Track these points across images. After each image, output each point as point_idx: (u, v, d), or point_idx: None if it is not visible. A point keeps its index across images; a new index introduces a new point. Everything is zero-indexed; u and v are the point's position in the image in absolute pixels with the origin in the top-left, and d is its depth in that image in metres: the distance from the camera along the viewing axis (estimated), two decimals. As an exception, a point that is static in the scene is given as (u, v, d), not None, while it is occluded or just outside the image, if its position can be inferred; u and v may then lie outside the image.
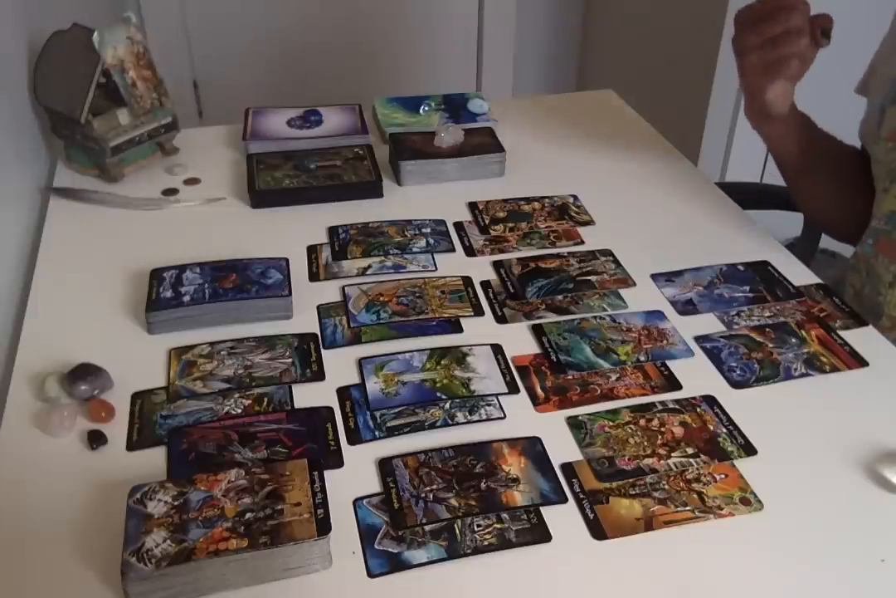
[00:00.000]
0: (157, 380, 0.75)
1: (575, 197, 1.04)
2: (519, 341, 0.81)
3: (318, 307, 0.85)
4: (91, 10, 1.55)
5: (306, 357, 0.78)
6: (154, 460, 0.67)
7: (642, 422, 0.71)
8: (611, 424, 0.71)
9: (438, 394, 0.74)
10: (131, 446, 0.69)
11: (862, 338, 0.82)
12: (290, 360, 0.77)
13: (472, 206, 1.02)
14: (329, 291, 0.87)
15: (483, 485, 0.65)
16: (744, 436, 0.70)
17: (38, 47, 1.03)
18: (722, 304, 0.86)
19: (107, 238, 0.96)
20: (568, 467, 0.67)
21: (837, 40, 0.84)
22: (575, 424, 0.71)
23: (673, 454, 0.68)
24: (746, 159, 1.95)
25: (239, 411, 0.72)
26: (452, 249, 0.95)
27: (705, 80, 1.91)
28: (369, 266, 0.91)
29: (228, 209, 1.02)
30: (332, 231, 0.97)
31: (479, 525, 0.62)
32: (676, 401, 0.74)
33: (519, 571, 0.60)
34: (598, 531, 0.62)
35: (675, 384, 0.76)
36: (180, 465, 0.66)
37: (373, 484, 0.65)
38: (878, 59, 0.98)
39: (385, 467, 0.67)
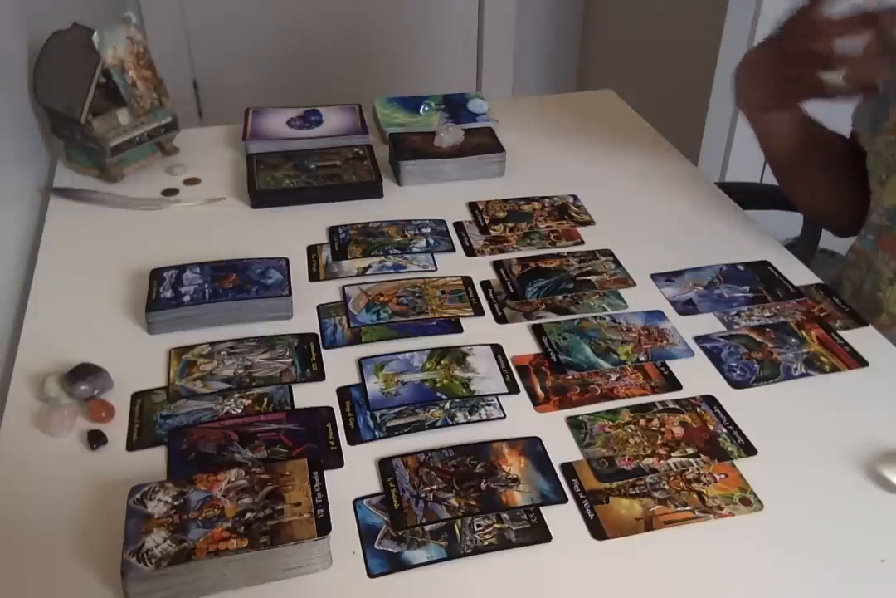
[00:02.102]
0: (157, 380, 0.75)
1: (575, 197, 1.04)
2: (519, 341, 0.81)
3: (318, 307, 0.85)
4: (91, 10, 1.55)
5: (306, 357, 0.78)
6: (154, 460, 0.67)
7: (642, 422, 0.71)
8: (611, 424, 0.71)
9: (438, 394, 0.74)
10: (131, 446, 0.69)
11: (862, 338, 0.82)
12: (290, 360, 0.77)
13: (472, 206, 1.02)
14: (329, 291, 0.87)
15: (483, 485, 0.65)
16: (744, 436, 0.70)
17: (38, 47, 1.03)
18: (722, 304, 0.86)
19: (107, 238, 0.96)
20: (568, 467, 0.67)
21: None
22: (575, 424, 0.71)
23: (673, 454, 0.68)
24: (746, 159, 1.95)
25: (239, 411, 0.72)
26: (452, 249, 0.95)
27: (705, 80, 1.91)
28: (369, 266, 0.91)
29: (228, 209, 1.02)
30: (332, 231, 0.97)
31: (479, 525, 0.62)
32: (676, 401, 0.74)
33: (519, 571, 0.60)
34: (598, 531, 0.62)
35: (675, 384, 0.76)
36: (180, 465, 0.66)
37: (373, 484, 0.65)
38: None
39: (385, 467, 0.67)
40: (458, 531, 0.62)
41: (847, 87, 0.78)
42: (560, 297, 0.87)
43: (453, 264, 0.92)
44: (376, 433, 0.70)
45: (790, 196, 1.08)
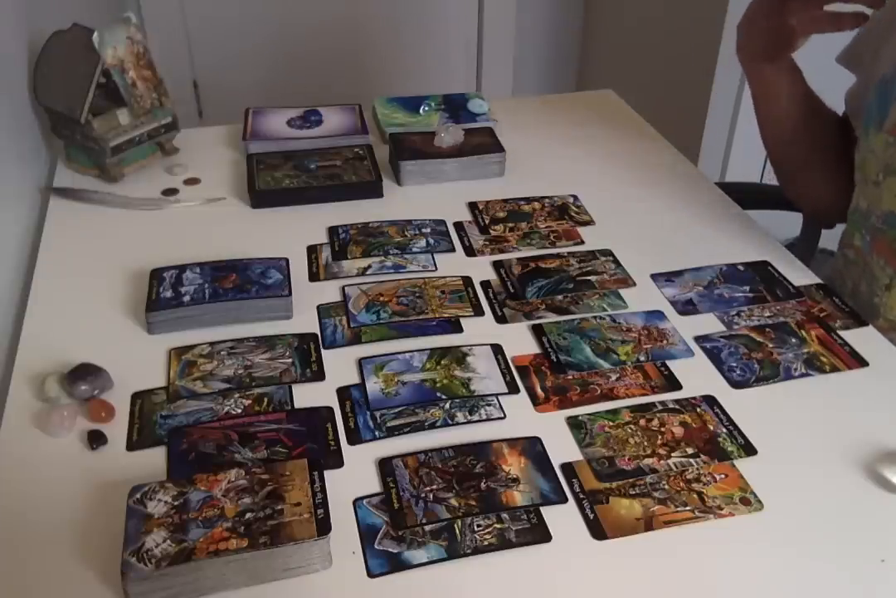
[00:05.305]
0: (157, 380, 0.75)
1: (575, 197, 1.04)
2: (519, 341, 0.81)
3: (318, 307, 0.85)
4: (91, 10, 1.55)
5: (306, 357, 0.78)
6: (154, 460, 0.67)
7: (642, 422, 0.71)
8: (611, 424, 0.71)
9: (438, 394, 0.74)
10: (131, 446, 0.69)
11: (862, 338, 0.82)
12: (290, 360, 0.77)
13: (472, 206, 1.02)
14: (329, 291, 0.87)
15: (483, 485, 0.65)
16: (744, 436, 0.70)
17: (38, 47, 1.03)
18: (722, 304, 0.86)
19: (107, 238, 0.96)
20: (568, 467, 0.67)
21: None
22: (575, 424, 0.71)
23: (673, 454, 0.68)
24: (746, 159, 1.95)
25: (239, 411, 0.72)
26: (452, 249, 0.95)
27: (705, 80, 1.91)
28: (369, 266, 0.91)
29: (228, 209, 1.02)
30: (332, 231, 0.97)
31: (479, 525, 0.62)
32: (676, 401, 0.74)
33: (519, 571, 0.60)
34: (598, 531, 0.62)
35: (675, 384, 0.76)
36: (180, 465, 0.66)
37: (373, 484, 0.65)
38: (870, 34, 0.94)
39: (385, 467, 0.67)
40: (458, 531, 0.62)
41: (844, 17, 0.81)
42: (560, 297, 0.87)
43: (453, 264, 0.92)
44: (376, 433, 0.70)
45: (778, 178, 1.07)
